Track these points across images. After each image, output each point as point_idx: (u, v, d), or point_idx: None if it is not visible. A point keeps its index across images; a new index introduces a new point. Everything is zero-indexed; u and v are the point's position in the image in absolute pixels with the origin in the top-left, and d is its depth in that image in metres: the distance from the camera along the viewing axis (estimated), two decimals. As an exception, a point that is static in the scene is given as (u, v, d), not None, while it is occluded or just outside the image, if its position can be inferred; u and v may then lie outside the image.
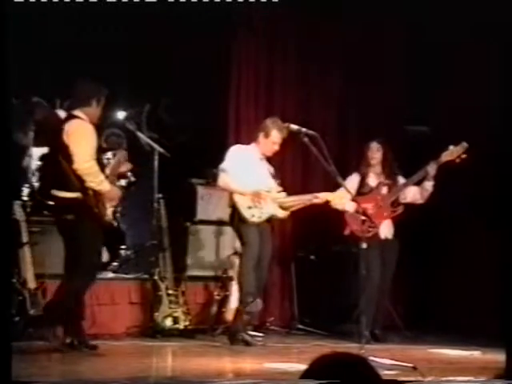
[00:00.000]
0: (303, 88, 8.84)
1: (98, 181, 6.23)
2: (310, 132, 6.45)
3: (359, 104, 8.92)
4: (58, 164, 6.25)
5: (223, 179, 7.10)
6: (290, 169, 8.66)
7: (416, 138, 8.77)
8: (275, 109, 8.65)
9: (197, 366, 5.89)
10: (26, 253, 6.80)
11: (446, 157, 7.36)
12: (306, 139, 6.41)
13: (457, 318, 8.08)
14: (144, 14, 7.58)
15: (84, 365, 5.74)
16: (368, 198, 7.47)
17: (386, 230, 7.55)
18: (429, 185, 7.50)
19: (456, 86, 8.39)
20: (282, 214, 7.24)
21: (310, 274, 8.31)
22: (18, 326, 6.53)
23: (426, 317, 8.48)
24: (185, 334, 7.40)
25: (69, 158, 6.16)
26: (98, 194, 6.26)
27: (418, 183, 7.55)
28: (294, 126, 6.52)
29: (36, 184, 7.63)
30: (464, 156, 7.30)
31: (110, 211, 6.49)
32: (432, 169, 7.39)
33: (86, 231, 6.23)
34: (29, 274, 6.78)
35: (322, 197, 7.21)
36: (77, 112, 6.29)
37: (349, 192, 6.90)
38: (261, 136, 7.13)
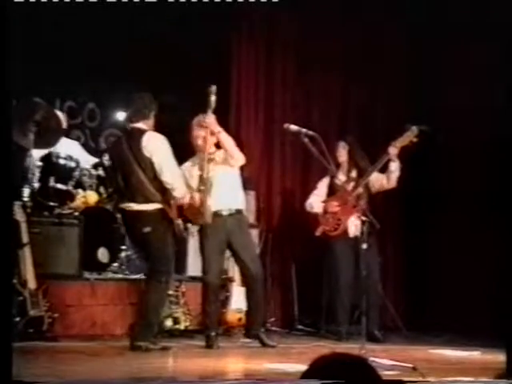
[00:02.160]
0: (303, 88, 8.85)
1: (183, 192, 6.45)
2: (310, 132, 6.45)
3: (359, 104, 8.92)
4: (135, 177, 6.34)
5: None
6: (290, 169, 8.66)
7: (416, 137, 8.75)
8: (275, 109, 8.66)
9: (197, 366, 5.89)
10: (27, 253, 6.80)
11: (399, 142, 7.36)
12: (306, 140, 6.41)
13: (457, 318, 8.08)
14: (144, 14, 7.59)
15: (84, 365, 5.74)
16: (336, 197, 7.60)
17: (353, 227, 7.51)
18: (394, 166, 7.47)
19: (456, 86, 8.39)
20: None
21: (309, 274, 8.32)
22: (18, 326, 6.54)
23: (426, 317, 8.48)
24: (185, 334, 7.40)
25: (150, 170, 6.31)
26: (177, 206, 6.45)
27: (384, 170, 7.54)
28: (294, 127, 6.52)
29: (39, 186, 7.63)
30: (415, 140, 7.28)
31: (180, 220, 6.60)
32: (393, 148, 7.37)
33: (166, 240, 6.41)
34: (29, 275, 6.78)
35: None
36: (140, 125, 6.45)
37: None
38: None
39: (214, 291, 6.96)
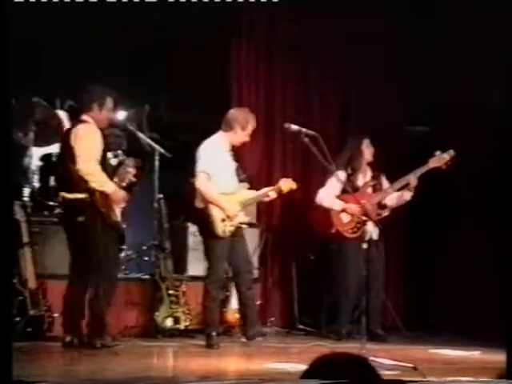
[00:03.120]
0: (303, 88, 8.84)
1: (99, 181, 6.32)
2: (310, 132, 6.44)
3: (359, 104, 8.91)
4: (66, 167, 6.41)
5: (204, 182, 6.91)
6: (290, 169, 8.66)
7: (416, 137, 8.76)
8: (275, 109, 8.66)
9: (197, 366, 5.89)
10: (27, 253, 6.81)
11: (433, 163, 7.39)
12: (306, 139, 6.40)
13: (457, 318, 8.07)
14: (144, 14, 7.59)
15: (84, 365, 5.74)
16: (354, 198, 7.45)
17: (371, 230, 7.52)
18: (408, 195, 7.58)
19: (456, 86, 8.38)
20: (247, 219, 7.22)
21: (309, 273, 8.32)
22: (18, 326, 6.54)
23: (426, 317, 8.48)
24: (185, 334, 7.40)
25: (74, 160, 6.32)
26: (104, 196, 6.35)
27: (399, 189, 7.59)
28: (295, 127, 6.51)
29: (39, 185, 7.65)
30: (449, 163, 7.34)
31: (118, 212, 6.52)
32: (414, 178, 7.43)
33: (96, 231, 6.33)
34: (29, 274, 6.79)
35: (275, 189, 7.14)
36: (83, 117, 6.46)
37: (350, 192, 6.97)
38: (237, 127, 6.99)
39: (218, 288, 6.98)
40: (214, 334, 6.85)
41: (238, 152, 7.26)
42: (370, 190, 7.65)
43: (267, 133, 8.61)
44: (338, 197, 7.52)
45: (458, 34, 8.27)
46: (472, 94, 8.06)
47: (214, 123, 8.63)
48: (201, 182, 6.88)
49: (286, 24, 8.69)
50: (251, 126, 7.06)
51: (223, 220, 6.87)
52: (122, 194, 6.51)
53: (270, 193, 7.14)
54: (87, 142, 6.37)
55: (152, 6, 7.23)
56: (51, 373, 5.29)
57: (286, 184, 7.11)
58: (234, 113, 7.11)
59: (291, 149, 8.56)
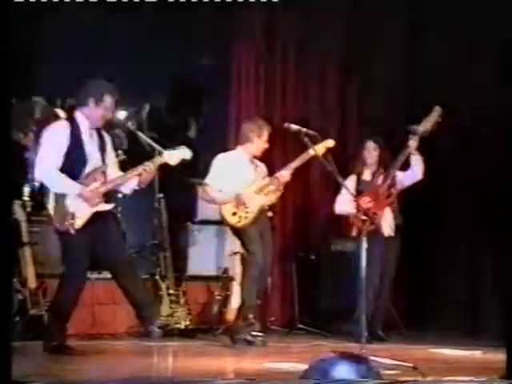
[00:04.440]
0: (303, 88, 8.84)
1: (55, 184, 6.01)
2: (310, 132, 6.45)
3: (359, 104, 8.91)
4: None
5: (207, 193, 7.09)
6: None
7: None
8: (275, 109, 8.66)
9: (197, 365, 5.88)
10: (27, 252, 6.81)
11: (423, 126, 7.30)
12: (306, 139, 6.40)
13: (457, 318, 8.08)
14: (144, 14, 7.59)
15: (84, 365, 5.74)
16: (366, 194, 7.44)
17: (387, 227, 7.52)
18: (414, 159, 7.41)
19: (456, 86, 8.39)
20: (267, 200, 7.12)
21: (310, 273, 8.32)
22: (18, 326, 6.54)
23: (426, 317, 8.48)
24: (185, 333, 7.40)
25: None
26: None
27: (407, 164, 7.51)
28: (294, 126, 6.51)
29: (39, 185, 7.63)
30: (440, 121, 7.24)
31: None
32: (413, 142, 7.33)
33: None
34: (29, 274, 6.79)
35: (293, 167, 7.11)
36: (75, 113, 6.18)
37: (351, 193, 6.92)
38: (254, 137, 7.10)
39: (257, 270, 6.96)
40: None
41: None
42: (379, 180, 7.58)
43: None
44: (355, 199, 7.33)
45: (457, 34, 8.28)
46: (472, 94, 8.07)
47: (213, 123, 8.67)
48: (202, 194, 7.15)
49: (286, 24, 8.69)
50: (266, 131, 7.14)
51: (234, 213, 6.93)
52: (93, 194, 6.01)
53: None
54: (44, 145, 6.07)
55: (152, 5, 7.23)
56: (51, 373, 5.29)
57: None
58: (247, 125, 7.22)
59: (291, 149, 8.57)
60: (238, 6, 7.97)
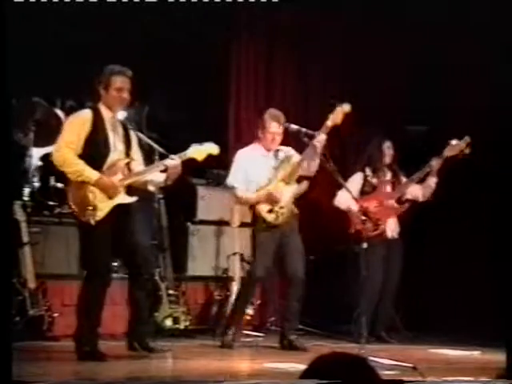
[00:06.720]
0: (303, 88, 8.85)
1: (73, 170, 5.83)
2: (310, 132, 6.45)
3: (359, 104, 8.91)
4: None
5: (240, 195, 6.88)
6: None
7: (416, 137, 8.76)
8: (275, 108, 8.65)
9: (197, 366, 5.89)
10: (27, 253, 6.81)
11: (449, 151, 7.32)
12: (306, 139, 6.41)
13: (457, 318, 8.07)
14: (144, 14, 7.59)
15: (84, 365, 5.73)
16: (372, 197, 7.45)
17: (392, 229, 7.53)
18: (432, 181, 7.45)
19: (456, 86, 8.39)
20: (296, 189, 6.92)
21: (310, 274, 8.31)
22: (18, 326, 6.54)
23: (426, 317, 8.48)
24: (185, 334, 7.40)
25: None
26: (81, 187, 5.85)
27: (421, 180, 7.52)
28: (294, 126, 6.52)
29: (39, 185, 7.64)
30: (467, 151, 7.27)
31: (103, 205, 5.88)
32: (436, 163, 7.34)
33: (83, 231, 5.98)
34: (29, 274, 6.79)
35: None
36: (98, 104, 6.06)
37: (350, 192, 6.88)
38: (259, 132, 6.93)
39: (254, 286, 6.95)
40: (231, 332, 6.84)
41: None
42: (388, 188, 7.60)
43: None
44: (358, 198, 7.32)
45: (457, 34, 8.28)
46: (472, 93, 8.07)
47: (213, 123, 8.67)
48: (238, 198, 6.93)
49: (286, 24, 8.70)
50: (273, 121, 6.84)
51: (270, 211, 6.76)
52: (110, 181, 5.87)
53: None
54: (64, 130, 6.00)
55: (152, 5, 7.23)
56: (51, 373, 5.29)
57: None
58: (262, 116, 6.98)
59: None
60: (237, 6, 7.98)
